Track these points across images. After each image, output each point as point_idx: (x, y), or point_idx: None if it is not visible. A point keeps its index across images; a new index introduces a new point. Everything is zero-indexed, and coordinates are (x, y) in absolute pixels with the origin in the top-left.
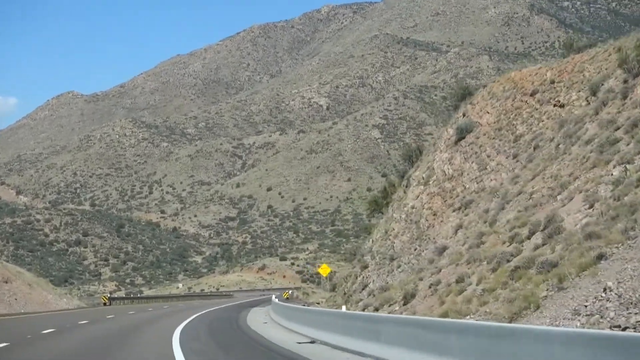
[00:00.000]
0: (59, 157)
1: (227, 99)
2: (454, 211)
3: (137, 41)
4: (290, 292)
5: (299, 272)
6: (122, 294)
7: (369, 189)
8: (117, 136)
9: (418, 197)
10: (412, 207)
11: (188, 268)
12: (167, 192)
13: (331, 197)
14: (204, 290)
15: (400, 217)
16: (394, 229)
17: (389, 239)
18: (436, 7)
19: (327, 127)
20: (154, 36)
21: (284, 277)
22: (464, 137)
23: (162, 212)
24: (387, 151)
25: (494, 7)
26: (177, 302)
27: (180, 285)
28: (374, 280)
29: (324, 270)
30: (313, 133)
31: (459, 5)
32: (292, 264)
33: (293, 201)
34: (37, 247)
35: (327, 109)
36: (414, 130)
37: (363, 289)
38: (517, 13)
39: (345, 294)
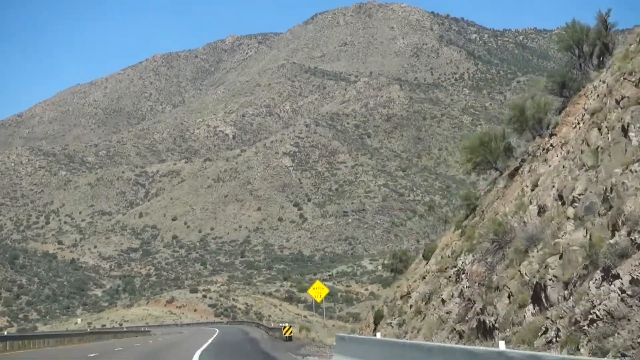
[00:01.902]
0: None
1: (129, 129)
2: None
3: (36, 69)
4: (285, 325)
5: (211, 306)
6: (13, 330)
7: (280, 219)
8: (13, 164)
9: None
10: None
11: (87, 302)
12: (65, 222)
13: (240, 227)
14: (105, 325)
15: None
16: None
17: None
18: (344, 38)
19: (235, 154)
20: (52, 64)
21: (195, 310)
22: None
23: (60, 242)
24: (299, 179)
25: (403, 38)
26: (79, 343)
27: (78, 320)
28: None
29: (319, 291)
30: (220, 161)
31: (367, 36)
32: (204, 296)
33: (200, 231)
34: None
35: (234, 137)
36: (327, 159)
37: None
38: (426, 44)
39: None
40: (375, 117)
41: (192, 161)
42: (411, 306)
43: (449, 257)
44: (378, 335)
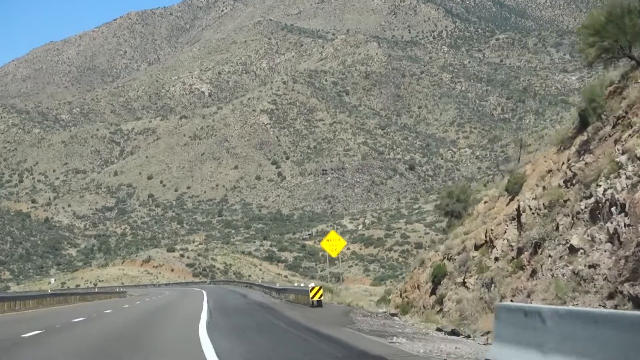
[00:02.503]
0: None
1: (103, 86)
2: None
3: (7, 26)
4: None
5: (189, 265)
6: None
7: (257, 177)
8: None
9: None
10: None
11: (61, 261)
12: (39, 181)
13: (217, 185)
14: (79, 285)
15: None
16: None
17: None
18: None
19: (212, 112)
20: (26, 22)
21: (172, 270)
22: None
23: (33, 201)
24: (277, 137)
25: None
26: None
27: (52, 280)
28: None
29: (334, 244)
30: (197, 118)
31: None
32: (182, 255)
33: (176, 190)
34: None
35: (210, 95)
36: (305, 116)
37: None
38: (403, 2)
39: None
40: (353, 74)
41: (167, 119)
42: (497, 259)
43: (561, 186)
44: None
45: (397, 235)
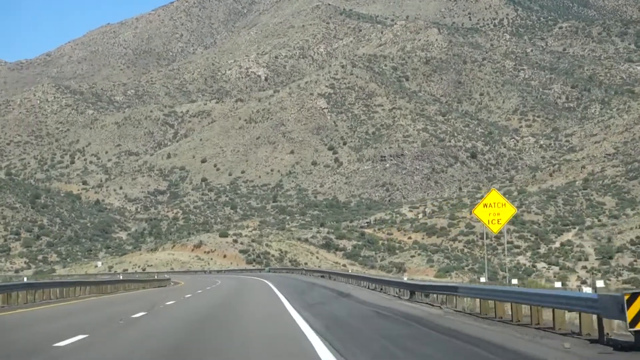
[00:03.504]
0: None
1: (158, 69)
2: None
3: (65, 8)
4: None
5: (242, 252)
6: (30, 272)
7: (314, 163)
8: (39, 102)
9: None
10: None
11: (111, 245)
12: (91, 162)
13: (272, 170)
14: (127, 270)
15: None
16: None
17: None
18: None
19: (268, 95)
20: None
21: (225, 256)
22: None
23: (84, 183)
24: (334, 122)
25: None
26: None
27: (99, 263)
28: None
29: (497, 212)
30: (252, 101)
31: None
32: (235, 241)
33: (230, 174)
34: None
35: (266, 79)
36: (364, 101)
37: None
38: None
39: None
40: (413, 60)
41: (223, 101)
42: None
43: None
44: None
45: (462, 224)
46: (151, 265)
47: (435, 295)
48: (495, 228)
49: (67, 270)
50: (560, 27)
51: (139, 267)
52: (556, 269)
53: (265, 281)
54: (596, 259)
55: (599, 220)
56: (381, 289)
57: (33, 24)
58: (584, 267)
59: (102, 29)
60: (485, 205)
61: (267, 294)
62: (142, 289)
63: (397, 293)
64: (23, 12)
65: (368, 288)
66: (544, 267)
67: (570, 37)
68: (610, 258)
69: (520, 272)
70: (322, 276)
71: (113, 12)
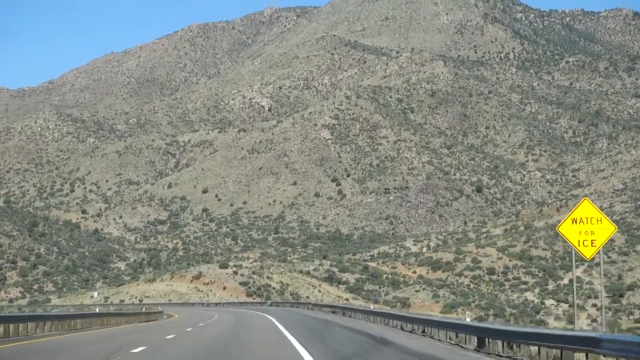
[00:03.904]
0: None
1: (161, 98)
2: None
3: (69, 37)
4: None
5: (242, 284)
6: (24, 302)
7: (316, 194)
8: (40, 129)
9: None
10: None
11: (109, 275)
12: (91, 191)
13: (274, 201)
14: (123, 301)
15: None
16: None
17: None
18: (385, 12)
19: (272, 125)
20: (86, 31)
21: (225, 288)
22: None
23: (84, 212)
24: (338, 153)
25: (447, 14)
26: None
27: (95, 294)
28: None
29: (591, 231)
30: (255, 131)
31: (410, 11)
32: (235, 273)
33: (231, 205)
34: None
35: (269, 110)
36: (368, 133)
37: None
38: (470, 21)
39: None
40: (419, 91)
41: (225, 131)
42: None
43: None
44: None
45: (468, 259)
46: (148, 297)
47: (530, 349)
48: (588, 252)
49: (62, 301)
50: (567, 62)
51: (136, 298)
52: (565, 306)
53: (269, 317)
54: (606, 297)
55: (609, 257)
56: (423, 331)
57: (36, 52)
58: (594, 305)
59: (105, 57)
60: (574, 220)
61: (274, 336)
62: (125, 324)
63: (452, 339)
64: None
65: (401, 329)
66: (553, 305)
67: (577, 72)
68: (621, 296)
69: (529, 310)
70: (334, 312)
71: (117, 41)
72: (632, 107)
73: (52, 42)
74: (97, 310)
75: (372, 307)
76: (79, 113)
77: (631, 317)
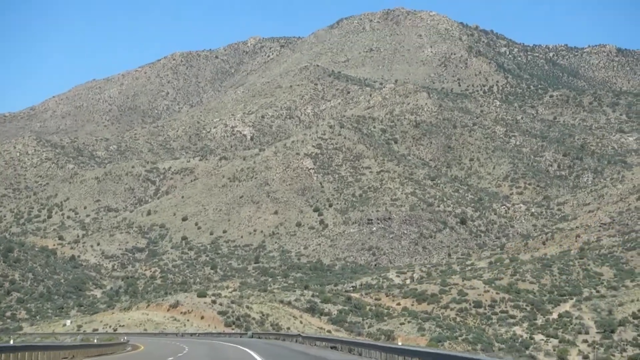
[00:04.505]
0: None
1: (142, 125)
2: None
3: (51, 63)
4: None
5: (221, 313)
6: None
7: (298, 224)
8: (19, 154)
9: None
10: None
11: (84, 303)
12: (68, 217)
13: (255, 230)
14: (97, 330)
15: None
16: None
17: None
18: (369, 44)
19: (253, 153)
20: (69, 58)
21: (202, 318)
22: None
23: (60, 238)
24: (321, 183)
25: (431, 47)
26: None
27: (67, 322)
28: None
29: None
30: (237, 160)
31: (394, 43)
32: (214, 302)
33: (211, 233)
34: None
35: (252, 139)
36: (351, 162)
37: None
38: (454, 54)
39: None
40: (402, 122)
41: (207, 159)
42: None
43: None
44: None
45: (454, 291)
46: (123, 326)
47: None
48: None
49: (34, 329)
50: (551, 96)
51: (110, 327)
52: (555, 341)
53: (250, 352)
54: (597, 332)
55: (597, 292)
56: None
57: (18, 77)
58: (585, 341)
59: (87, 84)
60: None
61: None
62: None
63: None
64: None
65: None
66: (542, 340)
67: (561, 106)
68: (612, 332)
69: (518, 344)
70: (334, 347)
71: (99, 68)
72: (616, 142)
73: (34, 68)
74: (69, 340)
75: (399, 343)
76: (58, 139)
77: (624, 354)
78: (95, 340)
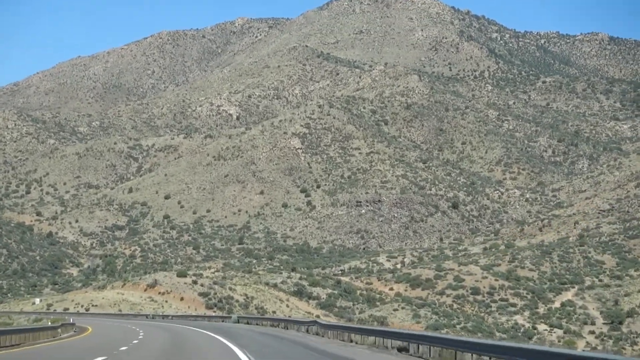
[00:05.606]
0: None
1: (127, 103)
2: None
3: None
4: None
5: (202, 295)
6: None
7: (284, 205)
8: None
9: None
10: None
11: (59, 281)
12: (47, 193)
13: (240, 210)
14: (67, 309)
15: None
16: None
17: None
18: (359, 26)
19: (240, 132)
20: (54, 35)
21: (182, 299)
22: None
23: (38, 214)
24: (309, 163)
25: (422, 30)
26: None
27: (37, 300)
28: None
29: None
30: (222, 138)
31: (384, 26)
32: (194, 282)
33: (194, 212)
34: None
35: (238, 118)
36: (340, 143)
37: None
38: (445, 38)
39: None
40: (393, 104)
41: (191, 137)
42: None
43: None
44: None
45: (450, 277)
46: (96, 305)
47: None
48: None
49: (2, 307)
50: (544, 82)
51: (82, 306)
52: (560, 332)
53: (237, 350)
54: (604, 324)
55: (600, 280)
56: None
57: (2, 53)
58: (592, 332)
59: (72, 61)
60: None
61: None
62: None
63: None
64: None
65: None
66: (546, 330)
67: (553, 92)
68: (621, 323)
69: (520, 334)
70: (403, 349)
71: (85, 45)
72: (610, 129)
73: (19, 44)
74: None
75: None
76: (40, 114)
77: (635, 347)
78: (49, 322)
